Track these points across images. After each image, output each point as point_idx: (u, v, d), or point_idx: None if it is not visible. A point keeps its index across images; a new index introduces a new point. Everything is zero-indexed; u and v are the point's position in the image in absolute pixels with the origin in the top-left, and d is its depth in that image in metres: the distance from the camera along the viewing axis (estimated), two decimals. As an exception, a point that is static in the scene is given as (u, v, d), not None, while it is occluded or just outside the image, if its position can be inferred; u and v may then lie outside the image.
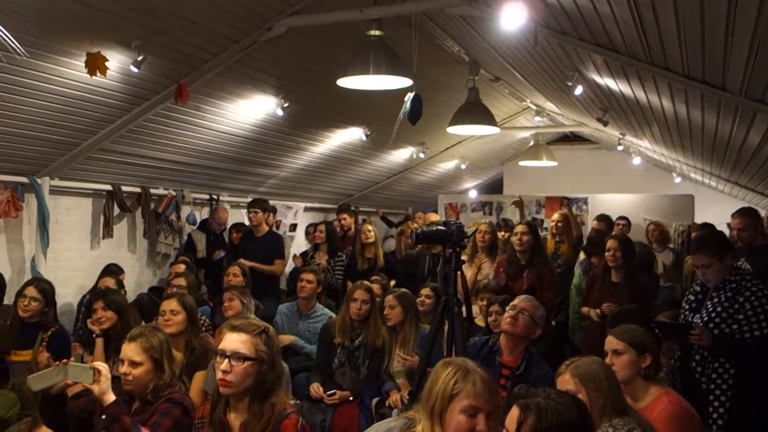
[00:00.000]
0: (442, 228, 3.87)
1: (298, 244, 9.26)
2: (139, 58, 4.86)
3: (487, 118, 6.49)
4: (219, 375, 2.47)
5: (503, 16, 3.74)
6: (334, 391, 4.50)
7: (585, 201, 9.90)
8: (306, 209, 9.89)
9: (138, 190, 7.02)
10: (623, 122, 7.61)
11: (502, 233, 7.07)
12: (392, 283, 6.72)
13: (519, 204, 8.64)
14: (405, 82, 4.69)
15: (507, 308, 3.91)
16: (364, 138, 8.30)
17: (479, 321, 5.08)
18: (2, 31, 2.65)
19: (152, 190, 7.18)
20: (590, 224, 8.53)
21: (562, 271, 6.35)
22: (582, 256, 6.47)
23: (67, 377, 2.49)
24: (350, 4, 4.84)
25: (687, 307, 3.95)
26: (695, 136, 6.42)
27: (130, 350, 2.77)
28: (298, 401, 4.55)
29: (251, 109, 6.51)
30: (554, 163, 9.91)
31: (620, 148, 10.10)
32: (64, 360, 2.54)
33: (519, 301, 3.93)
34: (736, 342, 3.62)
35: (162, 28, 4.73)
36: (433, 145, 9.80)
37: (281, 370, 2.61)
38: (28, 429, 3.34)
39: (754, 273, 4.01)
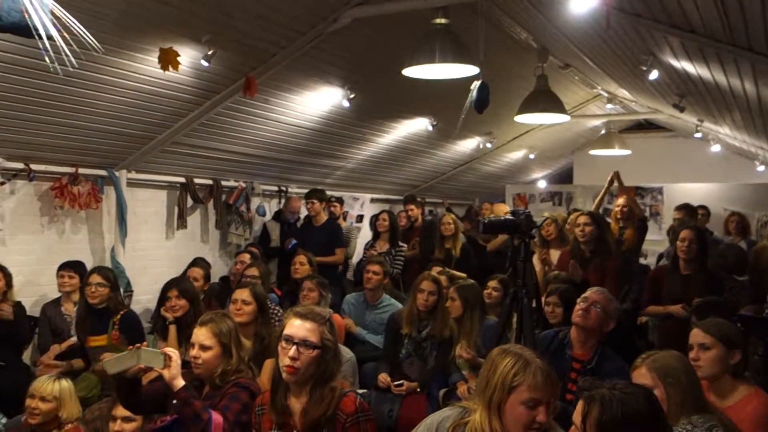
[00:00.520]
0: (510, 218, 3.80)
1: (365, 235, 9.30)
2: (209, 53, 4.96)
3: (557, 107, 6.34)
4: (286, 361, 2.50)
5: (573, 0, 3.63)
6: (401, 381, 4.50)
7: (660, 191, 9.57)
8: (372, 200, 9.92)
9: (210, 182, 7.20)
10: (701, 108, 7.29)
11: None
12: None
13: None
14: (471, 70, 4.62)
15: (578, 300, 3.81)
16: (429, 128, 8.25)
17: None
18: (81, 30, 2.73)
19: (223, 182, 7.35)
20: (666, 214, 8.21)
21: (625, 258, 6.13)
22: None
23: (140, 361, 2.57)
24: (416, -8, 4.80)
25: (772, 300, 3.75)
26: (780, 121, 6.10)
27: (201, 334, 2.85)
28: (366, 390, 4.57)
29: (318, 101, 6.57)
30: (627, 152, 9.60)
31: (698, 135, 9.69)
32: (138, 345, 2.63)
33: (591, 293, 3.82)
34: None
35: (230, 22, 4.81)
36: (501, 134, 9.66)
37: (340, 356, 2.65)
38: (108, 409, 3.49)
39: None
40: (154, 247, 6.82)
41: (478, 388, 2.31)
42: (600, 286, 4.06)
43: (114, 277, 4.84)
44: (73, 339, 4.81)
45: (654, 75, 5.74)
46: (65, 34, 2.75)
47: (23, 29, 2.70)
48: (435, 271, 5.56)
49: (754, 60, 4.14)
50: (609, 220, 6.38)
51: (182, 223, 6.97)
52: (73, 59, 2.71)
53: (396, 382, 4.50)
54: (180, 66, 4.79)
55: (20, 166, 5.45)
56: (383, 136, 8.14)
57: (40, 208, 5.79)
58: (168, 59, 4.72)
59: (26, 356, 5.27)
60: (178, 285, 4.45)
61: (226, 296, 5.37)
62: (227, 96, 5.73)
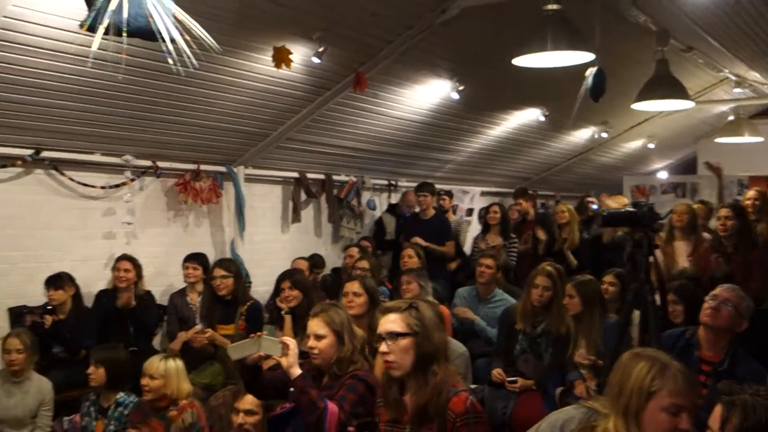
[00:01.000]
0: (632, 209, 3.62)
1: (474, 228, 9.19)
2: (320, 49, 5.06)
3: (679, 92, 5.96)
4: (383, 358, 2.52)
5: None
6: (515, 378, 4.40)
7: (796, 180, 8.81)
8: (482, 194, 9.79)
9: (322, 176, 7.36)
10: None
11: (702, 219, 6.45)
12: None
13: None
14: (586, 56, 4.42)
15: (707, 298, 3.56)
16: (541, 119, 8.03)
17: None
18: (202, 31, 2.84)
19: (335, 177, 7.49)
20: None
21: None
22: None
23: (260, 349, 2.67)
24: (526, -21, 4.66)
25: None
26: None
27: (314, 325, 2.92)
28: (478, 386, 4.51)
29: (427, 94, 6.54)
30: (759, 139, 8.91)
31: (840, 118, 8.86)
32: (259, 333, 2.73)
33: (721, 290, 3.55)
34: None
35: (340, 18, 4.88)
36: (617, 123, 9.24)
37: (440, 342, 2.59)
38: (232, 395, 3.65)
39: None
40: (270, 240, 7.06)
41: (609, 394, 2.18)
42: (745, 282, 3.77)
43: (236, 267, 5.06)
44: (198, 327, 5.07)
45: (791, 54, 5.29)
46: (186, 37, 2.88)
47: (148, 33, 2.84)
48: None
49: None
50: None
51: (296, 217, 7.17)
52: (194, 60, 2.83)
53: (510, 379, 4.40)
54: (292, 64, 4.91)
55: (148, 163, 5.80)
56: (493, 128, 8.00)
57: (166, 203, 6.14)
58: (281, 57, 4.85)
59: (156, 342, 5.61)
60: (290, 276, 4.59)
61: (337, 289, 5.48)
62: (338, 92, 5.82)
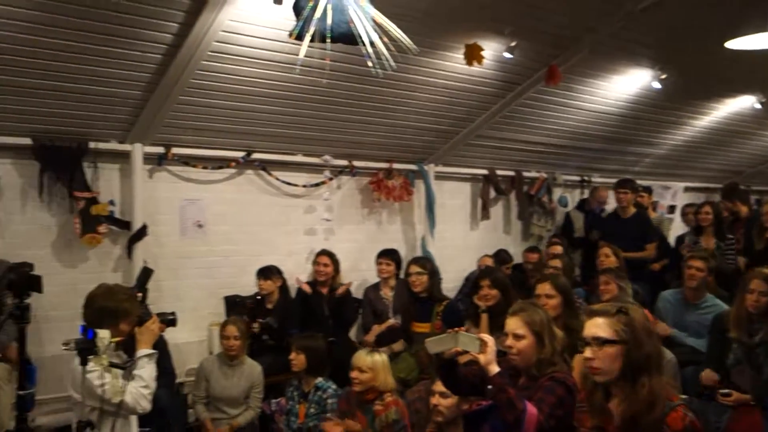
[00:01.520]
0: None
1: (677, 226, 8.54)
2: (512, 44, 4.98)
3: None
4: (587, 364, 2.39)
5: None
6: (729, 390, 4.01)
7: None
8: (686, 189, 9.08)
9: (511, 173, 7.25)
10: None
11: None
12: None
13: None
14: (818, 32, 3.92)
15: None
16: (757, 106, 7.25)
17: None
18: (400, 33, 2.92)
19: (525, 173, 7.34)
20: None
21: None
22: None
23: (457, 345, 2.68)
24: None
25: None
26: None
27: (513, 324, 2.86)
28: (685, 396, 4.17)
29: (624, 85, 6.19)
30: None
31: None
32: (456, 329, 2.74)
33: None
34: None
35: (533, 12, 4.76)
36: None
37: (652, 351, 2.39)
38: (425, 390, 3.70)
39: None
40: (459, 237, 7.09)
41: None
42: None
43: (431, 265, 5.14)
44: (391, 321, 5.22)
45: None
46: (385, 39, 2.97)
47: (350, 38, 2.97)
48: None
49: None
50: None
51: (485, 214, 7.14)
52: (392, 62, 2.91)
53: (723, 390, 4.02)
54: (484, 60, 4.88)
55: (345, 163, 6.09)
56: (700, 119, 7.38)
57: (360, 200, 6.41)
58: (472, 54, 4.84)
59: (352, 334, 5.87)
60: (490, 275, 4.56)
61: (519, 286, 5.36)
62: (529, 86, 5.70)
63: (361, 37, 2.89)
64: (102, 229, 4.86)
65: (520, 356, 2.81)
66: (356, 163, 6.15)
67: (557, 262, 5.28)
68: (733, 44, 4.15)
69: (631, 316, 2.41)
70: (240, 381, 4.60)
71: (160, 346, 3.61)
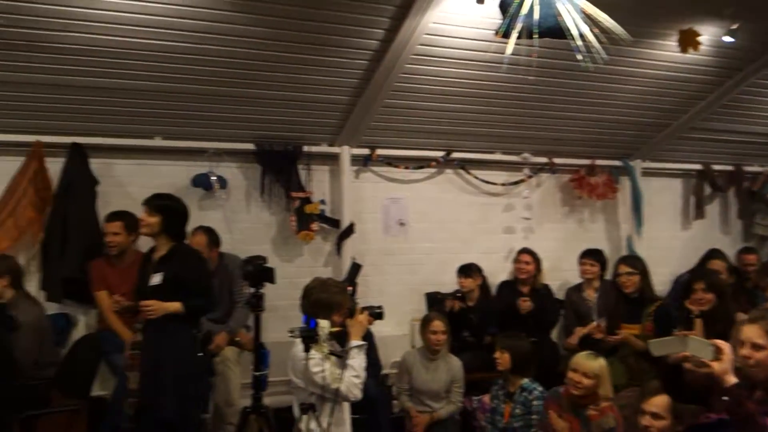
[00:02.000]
0: None
1: None
2: (733, 27, 4.56)
3: None
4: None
5: None
6: None
7: None
8: None
9: (730, 168, 6.65)
10: None
11: None
12: None
13: None
14: None
15: None
16: None
17: None
18: (611, 22, 2.81)
19: (746, 168, 6.69)
20: None
21: None
22: None
23: (686, 349, 2.50)
24: None
25: None
26: None
27: (753, 332, 2.60)
28: None
29: None
30: None
31: None
32: (685, 332, 2.57)
33: None
34: None
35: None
36: None
37: None
38: (636, 399, 3.51)
39: None
40: (668, 237, 6.63)
41: None
42: None
43: (642, 265, 4.86)
44: (594, 323, 5.01)
45: None
46: (595, 30, 2.87)
47: (557, 32, 2.91)
48: None
49: None
50: None
51: (700, 213, 6.61)
52: (603, 54, 2.81)
53: None
54: (700, 46, 4.53)
55: (544, 160, 5.96)
56: None
57: (561, 198, 6.23)
58: (688, 40, 4.53)
59: (554, 335, 5.72)
60: (705, 278, 4.22)
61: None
62: (753, 72, 5.21)
63: (569, 30, 2.82)
64: (314, 226, 5.21)
65: (760, 368, 2.55)
66: (556, 160, 5.99)
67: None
68: None
69: None
70: (441, 375, 4.67)
71: (368, 339, 3.79)
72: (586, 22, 2.86)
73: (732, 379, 2.39)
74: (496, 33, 2.96)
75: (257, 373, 3.19)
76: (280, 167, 5.14)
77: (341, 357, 3.03)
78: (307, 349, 2.88)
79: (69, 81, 4.17)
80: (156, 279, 3.58)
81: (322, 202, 5.30)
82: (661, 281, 6.27)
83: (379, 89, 4.64)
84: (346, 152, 5.30)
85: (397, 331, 5.47)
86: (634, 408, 3.42)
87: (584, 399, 3.64)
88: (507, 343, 4.18)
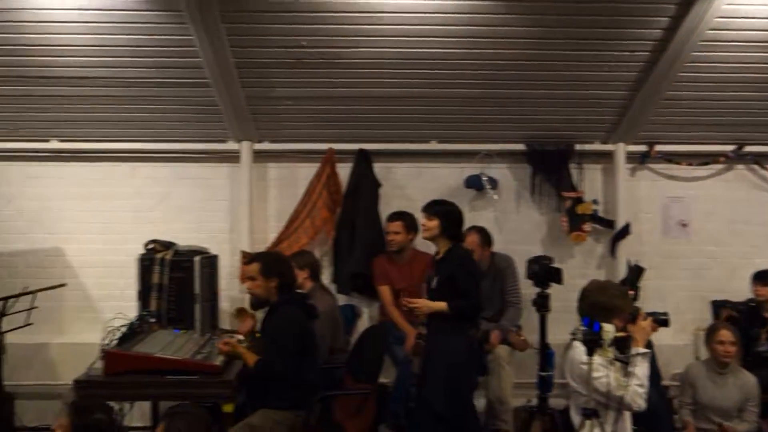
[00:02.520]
0: None
1: None
2: None
3: None
4: None
5: None
6: None
7: None
8: None
9: None
10: None
11: None
12: None
13: None
14: None
15: None
16: None
17: None
18: None
19: None
20: None
21: None
22: None
23: None
24: None
25: None
26: None
27: None
28: None
29: None
30: None
31: None
32: None
33: None
34: None
35: None
36: None
37: None
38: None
39: None
40: None
41: None
42: None
43: None
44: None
45: None
46: None
47: None
48: None
49: None
50: None
51: None
52: None
53: None
54: None
55: None
56: None
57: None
58: None
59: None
60: None
61: None
62: None
63: None
64: (587, 227, 5.06)
65: None
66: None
67: None
68: None
69: None
70: (732, 391, 4.25)
71: (648, 347, 3.58)
72: None
73: None
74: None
75: (543, 374, 3.18)
76: (550, 167, 5.10)
77: (627, 362, 2.90)
78: (590, 353, 2.80)
79: (359, 93, 4.58)
80: (435, 281, 3.78)
81: (595, 201, 5.13)
82: None
83: (661, 81, 4.37)
84: (621, 149, 5.08)
85: (677, 341, 5.10)
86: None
87: None
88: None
